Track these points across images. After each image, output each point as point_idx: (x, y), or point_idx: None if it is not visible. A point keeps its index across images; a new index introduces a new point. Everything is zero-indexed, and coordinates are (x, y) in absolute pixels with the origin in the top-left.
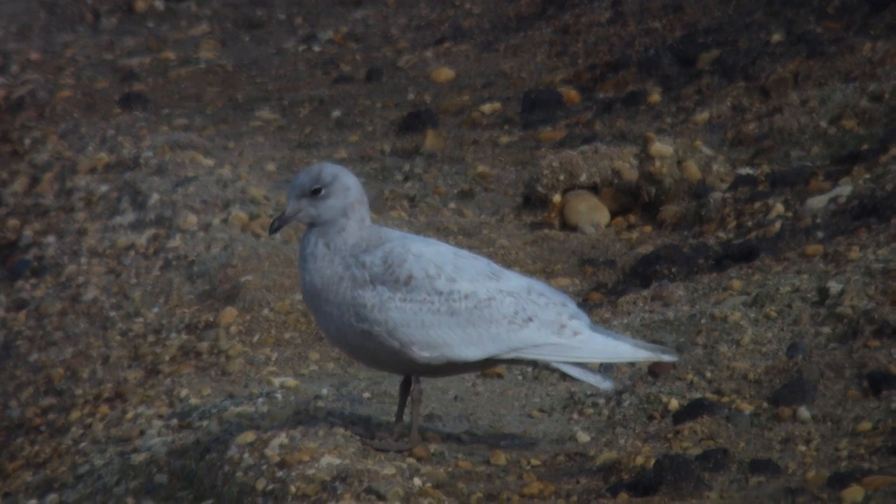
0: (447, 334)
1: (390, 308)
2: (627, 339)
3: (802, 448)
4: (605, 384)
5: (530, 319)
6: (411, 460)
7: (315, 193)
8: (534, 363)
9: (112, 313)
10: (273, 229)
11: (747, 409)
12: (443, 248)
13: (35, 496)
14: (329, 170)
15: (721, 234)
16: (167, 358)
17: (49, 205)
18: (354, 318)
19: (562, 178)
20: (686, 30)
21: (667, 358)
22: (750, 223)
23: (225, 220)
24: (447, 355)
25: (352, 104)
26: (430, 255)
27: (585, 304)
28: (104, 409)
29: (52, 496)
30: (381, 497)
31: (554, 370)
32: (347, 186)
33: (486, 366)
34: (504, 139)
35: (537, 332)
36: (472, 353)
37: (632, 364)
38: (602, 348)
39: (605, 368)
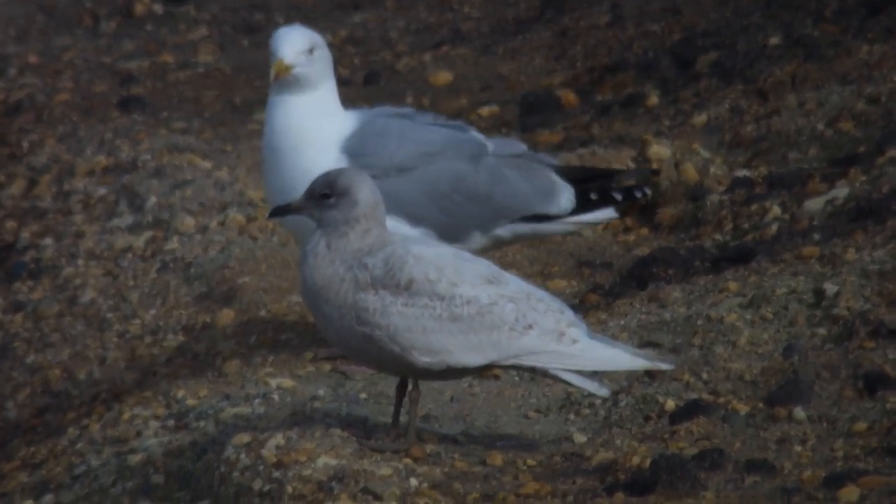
0: (448, 340)
1: (392, 313)
2: (625, 347)
3: (798, 448)
4: (602, 391)
5: (530, 327)
6: (408, 461)
7: (324, 198)
8: (532, 369)
9: (109, 315)
10: (277, 213)
11: (743, 409)
12: (443, 249)
13: (31, 497)
14: (344, 179)
15: (718, 237)
16: (164, 359)
17: (47, 207)
18: (356, 321)
19: None
20: (684, 33)
21: (664, 366)
22: (747, 225)
23: (222, 223)
24: (447, 361)
25: (350, 107)
26: (430, 257)
27: (582, 305)
28: (101, 410)
29: (49, 496)
30: (377, 497)
31: (552, 377)
32: (356, 201)
33: (484, 370)
34: None
35: (537, 339)
36: (473, 359)
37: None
38: (600, 357)
39: (600, 375)
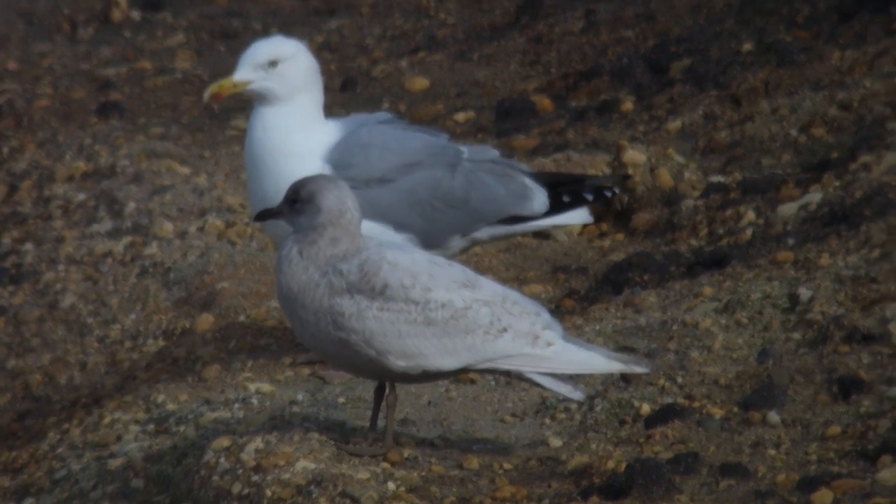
0: (423, 344)
1: (367, 317)
2: (600, 350)
3: (772, 452)
4: (576, 394)
5: (505, 330)
6: (385, 465)
7: (292, 203)
8: (507, 373)
9: (89, 320)
10: (260, 216)
11: (718, 413)
12: (418, 255)
13: (12, 501)
14: (310, 186)
15: (693, 242)
16: (144, 364)
17: (27, 213)
18: (332, 326)
19: None
20: (658, 39)
21: (639, 370)
22: (721, 230)
23: (201, 228)
24: (423, 365)
25: (327, 113)
26: (405, 262)
27: (558, 310)
28: (81, 414)
29: (30, 500)
30: (355, 501)
31: (527, 380)
32: (319, 208)
33: (460, 374)
34: None
35: (512, 342)
36: (448, 363)
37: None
38: (575, 360)
39: (576, 378)
